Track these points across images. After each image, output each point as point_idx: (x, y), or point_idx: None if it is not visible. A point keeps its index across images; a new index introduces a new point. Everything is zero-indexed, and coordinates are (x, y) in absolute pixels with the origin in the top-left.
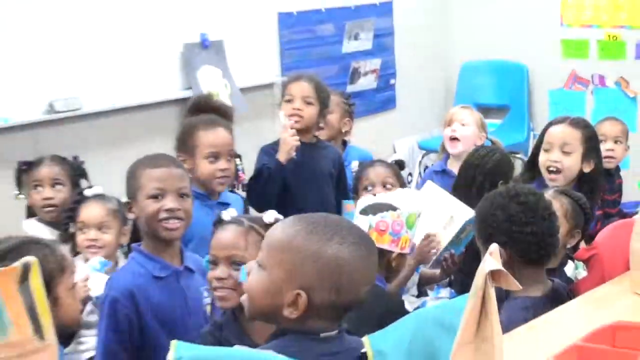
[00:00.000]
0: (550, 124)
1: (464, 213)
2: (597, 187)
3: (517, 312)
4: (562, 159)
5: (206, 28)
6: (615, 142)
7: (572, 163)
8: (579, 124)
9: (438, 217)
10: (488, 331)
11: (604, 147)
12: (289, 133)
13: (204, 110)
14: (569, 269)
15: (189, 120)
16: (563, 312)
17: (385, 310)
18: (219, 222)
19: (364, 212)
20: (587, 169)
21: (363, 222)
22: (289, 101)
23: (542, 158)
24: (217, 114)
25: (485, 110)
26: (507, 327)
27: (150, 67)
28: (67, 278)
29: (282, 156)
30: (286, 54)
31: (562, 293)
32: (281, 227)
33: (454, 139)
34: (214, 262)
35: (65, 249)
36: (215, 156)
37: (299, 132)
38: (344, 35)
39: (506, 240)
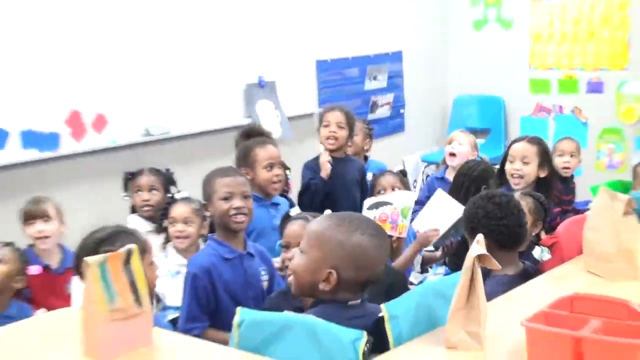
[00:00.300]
0: (513, 142)
1: (458, 211)
2: (550, 188)
3: (496, 287)
4: (523, 167)
5: (262, 72)
6: (571, 156)
7: (530, 170)
8: (534, 140)
9: (441, 214)
10: (475, 300)
11: (562, 160)
12: (325, 158)
13: (252, 135)
14: (536, 252)
15: (246, 142)
16: (532, 286)
17: (390, 282)
18: (287, 217)
19: (370, 208)
20: (542, 175)
21: (369, 216)
22: (326, 126)
23: (508, 167)
24: (263, 135)
25: (472, 131)
26: (489, 298)
27: (221, 101)
28: (148, 256)
29: (323, 174)
30: (322, 91)
31: (531, 272)
32: (317, 222)
33: (452, 154)
34: (286, 247)
35: (158, 238)
36: (271, 165)
37: (334, 150)
38: (366, 76)
39: (486, 231)
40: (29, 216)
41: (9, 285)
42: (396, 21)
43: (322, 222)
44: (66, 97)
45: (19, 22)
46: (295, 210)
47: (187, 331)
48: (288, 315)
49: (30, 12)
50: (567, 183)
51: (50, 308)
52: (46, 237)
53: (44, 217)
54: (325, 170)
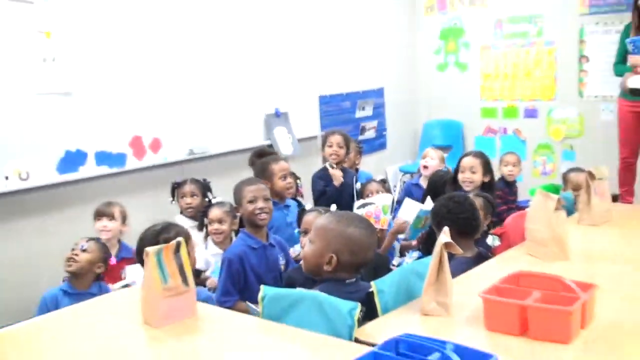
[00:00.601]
0: (462, 156)
1: (419, 207)
2: (493, 190)
3: (459, 266)
4: (472, 176)
5: (278, 104)
6: (513, 165)
7: (477, 177)
8: (478, 154)
9: (409, 211)
10: (443, 277)
11: (507, 169)
12: (338, 172)
13: (263, 155)
14: (489, 240)
15: (262, 159)
16: (486, 267)
17: (377, 264)
18: (303, 211)
19: (359, 208)
20: (485, 180)
21: (358, 213)
22: (330, 146)
23: (460, 176)
24: (270, 155)
25: (438, 147)
26: (453, 275)
27: (247, 127)
28: (190, 243)
29: (336, 183)
30: (323, 119)
31: (484, 255)
32: (322, 218)
33: (425, 167)
34: (305, 232)
35: (199, 233)
36: (284, 176)
37: (336, 164)
38: (357, 107)
39: (449, 223)
40: (99, 214)
41: (91, 270)
42: (379, 65)
43: (325, 218)
44: (130, 125)
45: (93, 65)
46: (309, 206)
47: (221, 303)
48: (300, 290)
49: (100, 58)
50: (511, 186)
51: None
52: (108, 231)
53: (110, 216)
54: (338, 180)
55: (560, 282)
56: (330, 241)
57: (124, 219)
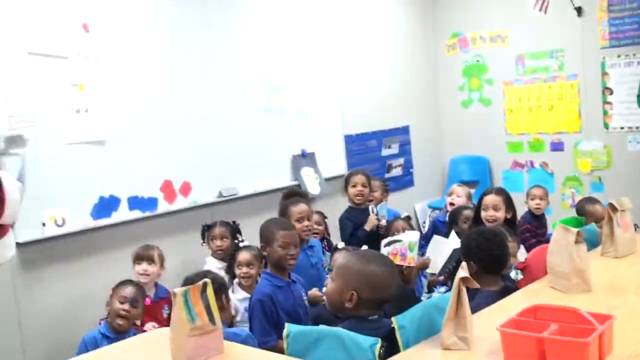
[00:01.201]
0: (484, 194)
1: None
2: (515, 226)
3: (484, 300)
4: (495, 213)
5: (304, 145)
6: (541, 199)
7: (500, 215)
8: (500, 192)
9: (438, 248)
10: (462, 312)
11: (534, 202)
12: (373, 216)
13: (291, 195)
14: (512, 274)
15: (284, 202)
16: (509, 300)
17: (404, 300)
18: (336, 249)
19: (385, 246)
20: (508, 216)
21: (384, 252)
22: (354, 186)
23: (483, 214)
24: (299, 195)
25: (465, 183)
26: (477, 309)
27: (274, 169)
28: (227, 293)
29: (368, 227)
30: (350, 158)
31: (511, 288)
32: (342, 257)
33: (452, 204)
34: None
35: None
36: (300, 219)
37: (361, 203)
38: (383, 146)
39: (476, 259)
40: (138, 257)
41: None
42: (403, 104)
43: (346, 257)
44: (160, 170)
45: (124, 115)
46: (342, 245)
47: (263, 344)
48: (322, 327)
49: (130, 107)
50: (540, 220)
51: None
52: (147, 275)
53: (150, 260)
54: (371, 225)
55: (577, 314)
56: (351, 279)
57: (162, 261)
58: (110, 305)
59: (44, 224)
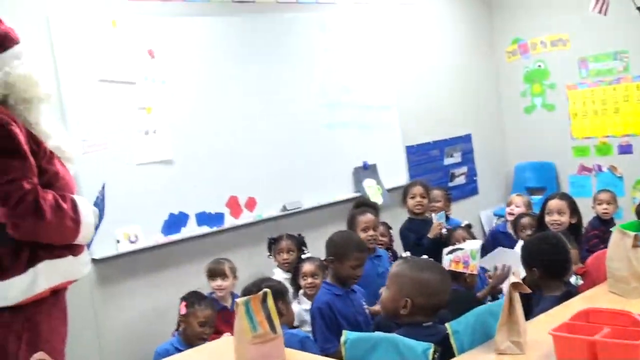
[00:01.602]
0: (547, 199)
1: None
2: (580, 231)
3: (548, 304)
4: (560, 218)
5: (366, 157)
6: (608, 203)
7: (565, 220)
8: (565, 196)
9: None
10: (515, 317)
11: (601, 207)
12: (439, 225)
13: (360, 205)
14: (572, 279)
15: (352, 211)
16: (567, 305)
17: (464, 301)
18: (401, 258)
19: (448, 254)
20: (573, 221)
21: (446, 260)
22: (412, 197)
23: (547, 219)
24: (368, 206)
25: (532, 190)
26: (543, 312)
27: (337, 181)
28: (287, 298)
29: (431, 235)
30: (412, 168)
31: (573, 293)
32: (395, 265)
33: (511, 214)
34: None
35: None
36: (365, 228)
37: (420, 214)
38: (444, 155)
39: (539, 264)
40: (212, 274)
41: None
42: (465, 112)
43: (399, 265)
44: (226, 187)
45: (190, 135)
46: (407, 254)
47: (324, 350)
48: (378, 334)
49: (196, 127)
50: (609, 225)
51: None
52: (222, 289)
53: (223, 275)
54: (435, 232)
55: (630, 318)
56: (404, 286)
57: (234, 273)
58: (185, 322)
59: (118, 241)
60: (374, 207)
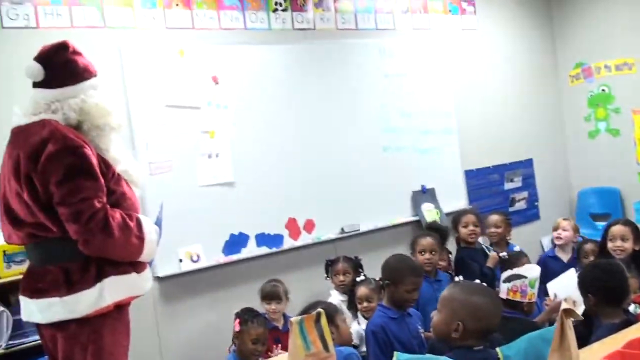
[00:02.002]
0: (610, 225)
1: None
2: None
3: (605, 332)
4: (623, 244)
5: (424, 182)
6: None
7: (628, 246)
8: (628, 222)
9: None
10: (566, 343)
11: None
12: (495, 256)
13: (432, 228)
14: (631, 308)
15: (418, 233)
16: (624, 333)
17: (521, 328)
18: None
19: (504, 281)
20: (636, 248)
21: (503, 287)
22: (465, 226)
23: (610, 245)
24: (439, 231)
25: (595, 216)
26: (599, 339)
27: (395, 205)
28: (340, 317)
29: (490, 263)
30: (471, 193)
31: (632, 321)
32: (447, 289)
33: (559, 237)
34: None
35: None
36: (422, 251)
37: (473, 242)
38: (505, 179)
39: (594, 291)
40: (267, 297)
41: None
42: (526, 137)
43: (451, 289)
44: (286, 209)
45: (251, 158)
46: (460, 279)
47: None
48: (429, 356)
49: (257, 151)
50: None
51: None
52: (277, 312)
53: (278, 298)
54: (494, 261)
55: None
56: (456, 310)
57: (286, 295)
58: (239, 339)
59: (181, 260)
60: (442, 232)
